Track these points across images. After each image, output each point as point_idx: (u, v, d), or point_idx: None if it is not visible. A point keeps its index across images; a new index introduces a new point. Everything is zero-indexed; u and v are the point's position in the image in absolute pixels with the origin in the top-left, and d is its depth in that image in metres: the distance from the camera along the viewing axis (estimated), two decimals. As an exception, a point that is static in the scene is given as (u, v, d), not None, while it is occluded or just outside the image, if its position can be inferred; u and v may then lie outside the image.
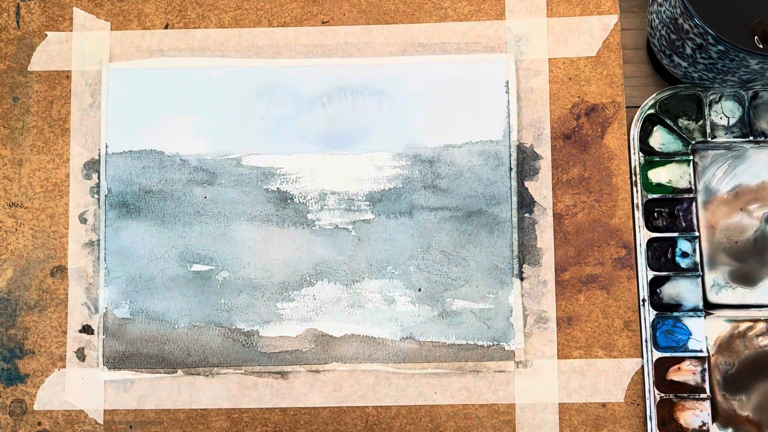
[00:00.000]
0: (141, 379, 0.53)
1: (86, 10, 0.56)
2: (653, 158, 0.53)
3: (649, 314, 0.52)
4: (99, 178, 0.54)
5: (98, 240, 0.54)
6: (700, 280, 0.52)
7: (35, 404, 0.53)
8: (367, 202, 0.54)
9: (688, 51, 0.48)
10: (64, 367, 0.53)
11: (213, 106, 0.55)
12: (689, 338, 0.52)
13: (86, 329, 0.53)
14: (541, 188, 0.54)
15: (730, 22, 0.47)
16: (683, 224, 0.53)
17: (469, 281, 0.53)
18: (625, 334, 0.52)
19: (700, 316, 0.52)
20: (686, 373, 0.51)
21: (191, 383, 0.53)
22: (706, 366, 0.51)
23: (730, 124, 0.54)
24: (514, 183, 0.54)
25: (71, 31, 0.56)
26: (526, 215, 0.53)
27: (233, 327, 0.53)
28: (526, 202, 0.53)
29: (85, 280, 0.54)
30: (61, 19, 0.56)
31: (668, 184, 0.53)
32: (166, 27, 0.56)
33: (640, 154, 0.53)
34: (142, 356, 0.53)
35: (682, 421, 0.51)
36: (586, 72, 0.54)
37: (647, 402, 0.51)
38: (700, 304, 0.52)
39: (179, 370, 0.53)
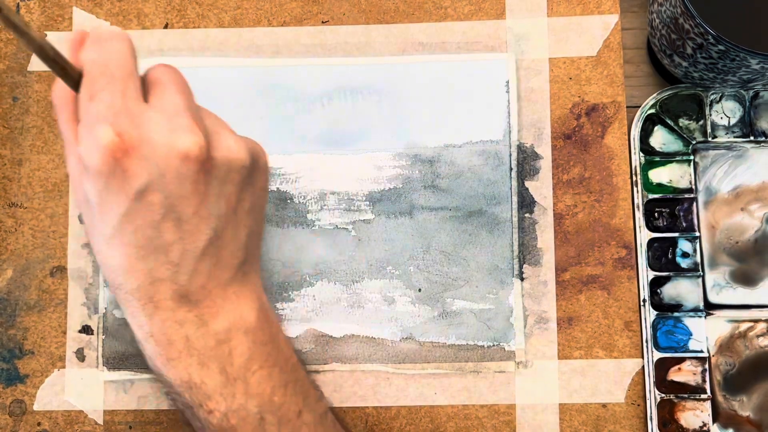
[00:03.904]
0: (141, 379, 0.53)
1: (86, 9, 0.56)
2: (654, 158, 0.53)
3: (649, 314, 0.52)
4: (98, 178, 0.54)
5: (98, 240, 0.54)
6: (700, 280, 0.52)
7: (35, 405, 0.53)
8: (367, 202, 0.54)
9: (689, 51, 0.48)
10: (64, 367, 0.53)
11: (212, 106, 0.54)
12: (690, 339, 0.52)
13: (86, 329, 0.53)
14: (541, 188, 0.53)
15: (731, 22, 0.47)
16: (684, 224, 0.53)
17: (469, 281, 0.53)
18: (625, 334, 0.52)
19: (700, 317, 0.52)
20: (687, 373, 0.51)
21: (191, 383, 0.53)
22: (706, 366, 0.51)
23: (731, 124, 0.54)
24: (515, 183, 0.53)
25: (71, 30, 0.55)
26: (527, 215, 0.53)
27: (233, 327, 0.53)
28: (526, 202, 0.53)
29: (85, 281, 0.53)
30: (60, 19, 0.56)
31: (669, 184, 0.53)
32: (166, 27, 0.55)
33: (641, 154, 0.53)
34: (142, 357, 0.53)
35: (682, 422, 0.51)
36: (587, 71, 0.54)
37: (648, 402, 0.51)
38: (701, 305, 0.52)
39: (179, 371, 0.53)
